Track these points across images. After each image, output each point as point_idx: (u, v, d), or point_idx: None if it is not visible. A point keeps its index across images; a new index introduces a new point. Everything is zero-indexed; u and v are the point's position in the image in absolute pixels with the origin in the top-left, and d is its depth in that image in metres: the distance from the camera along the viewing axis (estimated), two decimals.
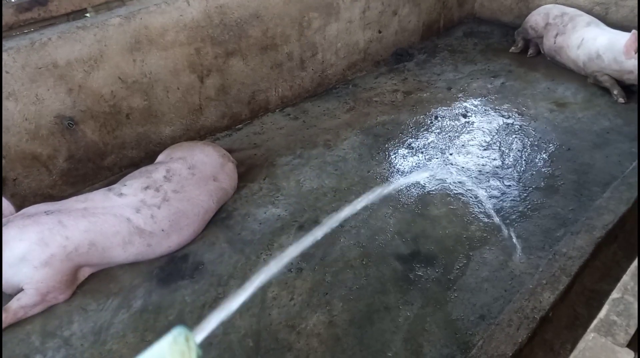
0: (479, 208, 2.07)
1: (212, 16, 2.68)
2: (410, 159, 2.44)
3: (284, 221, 2.12)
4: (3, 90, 2.17)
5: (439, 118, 2.76)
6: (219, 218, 2.18)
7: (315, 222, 2.08)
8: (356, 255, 1.85)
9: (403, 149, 2.51)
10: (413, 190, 2.18)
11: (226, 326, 1.67)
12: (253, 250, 1.98)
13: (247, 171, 2.47)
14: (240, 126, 2.96)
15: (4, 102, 2.19)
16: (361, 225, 1.99)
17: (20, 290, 1.78)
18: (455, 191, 2.18)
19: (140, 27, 2.47)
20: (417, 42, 3.77)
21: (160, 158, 2.31)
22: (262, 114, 3.05)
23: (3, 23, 2.27)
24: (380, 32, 3.53)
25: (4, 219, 1.88)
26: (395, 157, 2.46)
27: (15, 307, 1.78)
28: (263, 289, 1.78)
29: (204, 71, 2.76)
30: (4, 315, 1.77)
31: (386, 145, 2.55)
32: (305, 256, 1.90)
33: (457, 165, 2.37)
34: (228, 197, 2.26)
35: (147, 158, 2.53)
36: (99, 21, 2.35)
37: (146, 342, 1.66)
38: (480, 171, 2.31)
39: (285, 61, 3.09)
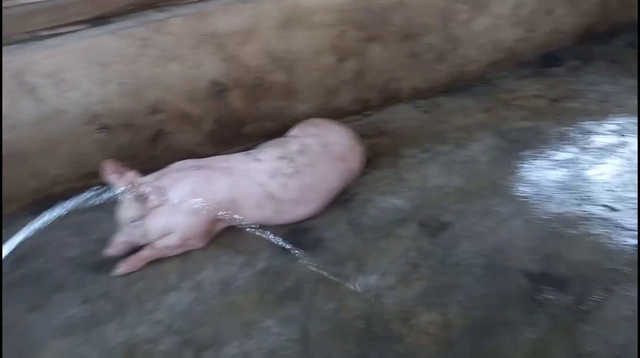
0: (628, 240, 1.88)
1: (360, 0, 2.71)
2: (551, 172, 2.28)
3: (405, 213, 2.12)
4: (172, 52, 2.42)
5: (589, 133, 2.53)
6: (342, 199, 2.24)
7: (437, 220, 2.05)
8: (479, 263, 1.80)
9: (543, 160, 2.36)
10: (551, 205, 2.05)
11: (339, 304, 1.73)
12: (372, 235, 2.02)
13: (373, 157, 2.49)
14: (369, 112, 2.99)
15: (169, 64, 2.45)
16: (488, 233, 1.93)
17: (167, 234, 2.01)
18: (601, 216, 1.99)
19: (292, 6, 2.58)
20: (571, 46, 3.46)
21: (294, 131, 2.41)
22: (393, 103, 3.04)
23: None
24: (530, 31, 3.31)
25: (157, 173, 2.11)
26: (533, 167, 2.32)
27: (160, 246, 2.02)
28: (379, 276, 1.82)
29: (344, 53, 2.82)
30: (150, 251, 2.02)
31: (524, 153, 2.41)
32: (423, 252, 1.89)
33: (605, 187, 2.16)
34: (353, 179, 2.31)
35: (281, 130, 2.66)
36: None
37: (265, 301, 1.79)
38: (632, 198, 2.09)
39: (424, 51, 3.04)
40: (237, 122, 2.71)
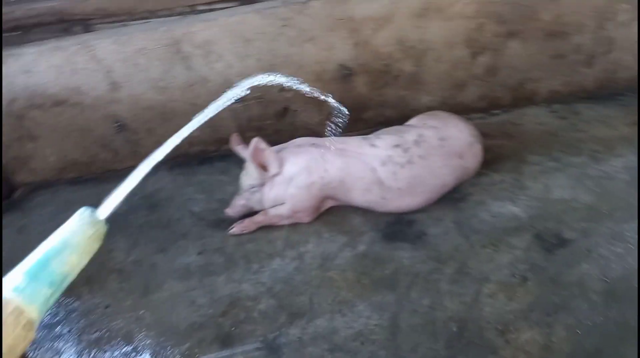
0: None
1: None
2: None
3: (520, 222, 1.99)
4: (308, 34, 2.53)
5: None
6: (452, 197, 2.17)
7: (556, 235, 1.90)
8: (598, 288, 1.63)
9: None
10: None
11: (434, 301, 1.71)
12: (478, 239, 1.94)
13: (493, 159, 2.37)
14: (497, 111, 2.83)
15: (304, 44, 2.56)
16: (614, 258, 1.73)
17: (280, 203, 2.15)
18: None
19: None
20: None
21: (412, 121, 2.38)
22: (525, 105, 2.84)
23: None
24: None
25: (278, 146, 2.24)
26: None
27: (272, 213, 2.16)
28: (480, 282, 1.75)
29: (479, 47, 2.69)
30: (262, 216, 2.18)
31: None
32: (535, 267, 1.77)
33: None
34: (467, 178, 2.23)
35: (400, 120, 2.65)
36: None
37: (360, 284, 1.83)
38: None
39: (570, 52, 2.77)
40: (359, 106, 2.75)
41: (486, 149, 2.34)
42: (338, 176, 2.08)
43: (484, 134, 2.50)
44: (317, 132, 2.73)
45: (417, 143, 2.10)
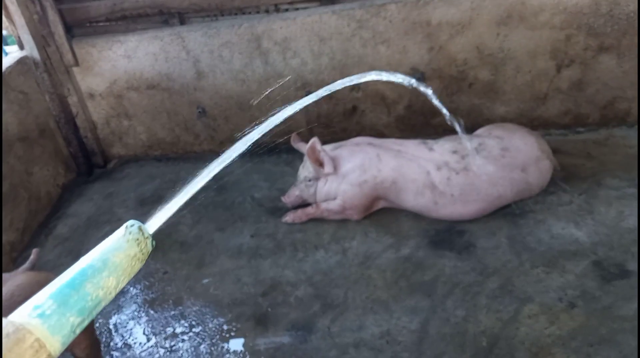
0: None
1: (601, 4, 2.37)
2: None
3: (581, 247, 1.86)
4: (382, 36, 2.56)
5: None
6: (511, 211, 2.08)
7: (618, 265, 1.74)
8: None
9: None
10: None
11: (469, 313, 1.66)
12: (530, 258, 1.84)
13: (566, 178, 2.22)
14: (581, 129, 2.63)
15: (378, 46, 2.59)
16: None
17: (332, 198, 2.21)
18: None
19: (517, 2, 2.42)
20: None
21: (479, 131, 2.31)
22: (615, 125, 2.61)
23: None
24: None
25: (338, 144, 2.30)
26: None
27: (323, 207, 2.23)
28: (522, 301, 1.67)
29: (566, 60, 2.53)
30: (314, 209, 2.25)
31: None
32: (586, 294, 1.64)
33: None
34: (531, 195, 2.11)
35: (472, 129, 2.58)
36: None
37: (398, 286, 1.84)
38: None
39: None
40: (428, 111, 2.72)
41: (561, 167, 2.21)
42: (391, 176, 2.10)
43: (562, 152, 2.37)
44: (383, 133, 2.77)
45: (476, 150, 2.04)
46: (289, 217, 2.27)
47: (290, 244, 2.15)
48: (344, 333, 1.68)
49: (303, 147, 2.27)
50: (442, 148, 2.08)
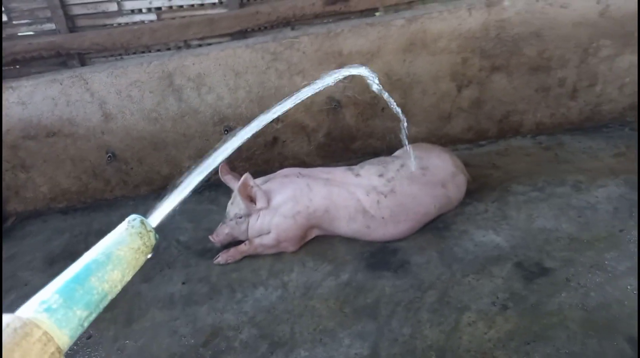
0: None
1: (490, 29, 2.64)
2: None
3: (502, 251, 2.00)
4: (297, 67, 2.61)
5: None
6: (436, 226, 2.19)
7: (537, 265, 1.90)
8: (576, 317, 1.63)
9: None
10: None
11: (414, 330, 1.70)
12: (461, 268, 1.94)
13: (478, 189, 2.40)
14: (483, 142, 2.88)
15: (293, 77, 2.64)
16: (592, 287, 1.73)
17: (265, 233, 2.16)
18: None
19: (418, 31, 2.62)
20: None
21: (398, 152, 2.44)
22: (511, 136, 2.89)
23: (312, 12, 2.71)
24: None
25: (266, 177, 2.28)
26: None
27: (256, 243, 2.18)
28: (460, 310, 1.74)
29: (464, 81, 2.77)
30: (247, 246, 2.19)
31: None
32: (515, 295, 1.77)
33: None
34: (450, 208, 2.25)
35: (388, 150, 2.70)
36: (385, 20, 2.59)
37: (342, 313, 1.83)
38: None
39: (554, 86, 2.84)
40: (347, 137, 2.81)
41: (472, 179, 2.38)
42: (323, 205, 2.11)
43: (470, 165, 2.55)
44: (306, 162, 2.79)
45: (399, 172, 2.13)
46: (221, 258, 2.18)
47: (226, 285, 2.06)
48: None
49: (231, 181, 2.21)
50: (368, 173, 2.14)
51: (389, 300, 1.85)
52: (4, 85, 2.45)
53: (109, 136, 2.60)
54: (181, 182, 0.90)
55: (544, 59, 2.76)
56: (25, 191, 2.65)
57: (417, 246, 2.09)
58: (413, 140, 2.77)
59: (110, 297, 0.72)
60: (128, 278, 0.75)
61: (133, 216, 0.78)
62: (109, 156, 2.60)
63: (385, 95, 1.43)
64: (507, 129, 2.91)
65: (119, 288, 0.73)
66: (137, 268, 0.76)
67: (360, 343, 1.69)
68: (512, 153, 2.73)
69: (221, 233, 2.21)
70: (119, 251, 0.74)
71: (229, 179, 2.24)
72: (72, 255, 2.32)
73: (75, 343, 1.87)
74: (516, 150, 2.76)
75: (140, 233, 0.77)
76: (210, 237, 2.22)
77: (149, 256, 0.79)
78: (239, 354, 1.74)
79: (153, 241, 0.78)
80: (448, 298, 1.80)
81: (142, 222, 0.78)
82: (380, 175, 2.13)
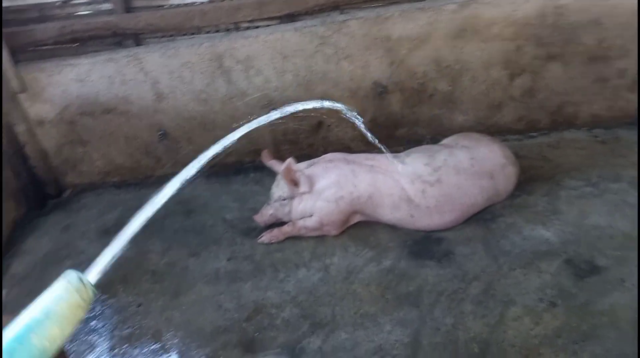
0: None
1: (547, 16, 2.53)
2: None
3: (552, 247, 1.95)
4: (344, 52, 2.59)
5: None
6: (483, 217, 2.16)
7: (588, 262, 1.84)
8: (630, 318, 1.57)
9: None
10: None
11: (457, 321, 1.69)
12: (507, 261, 1.91)
13: (528, 181, 2.33)
14: (534, 134, 2.78)
15: (341, 62, 2.63)
16: None
17: (308, 216, 2.19)
18: None
19: (470, 16, 2.54)
20: None
21: (445, 141, 2.39)
22: (564, 129, 2.78)
23: None
24: None
25: (311, 161, 2.30)
26: None
27: (299, 225, 2.21)
28: (505, 304, 1.72)
29: (517, 69, 2.67)
30: (290, 227, 2.22)
31: None
32: (564, 293, 1.72)
33: None
34: (499, 200, 2.20)
35: (433, 138, 2.66)
36: (436, 5, 2.53)
37: (384, 299, 1.84)
38: None
39: (613, 77, 2.70)
40: (392, 124, 2.78)
41: (521, 172, 2.32)
42: (367, 192, 2.11)
43: (520, 157, 2.48)
44: (349, 147, 2.79)
45: (447, 162, 2.10)
46: (265, 237, 2.23)
47: (270, 265, 2.11)
48: (337, 352, 1.66)
49: (275, 165, 2.25)
50: (413, 161, 2.13)
51: (431, 289, 1.84)
52: (64, 62, 2.55)
53: (160, 115, 2.68)
54: (121, 232, 0.92)
55: (603, 48, 2.62)
56: (82, 165, 2.77)
57: (463, 236, 2.06)
58: (460, 129, 2.73)
59: (51, 353, 0.74)
60: (67, 333, 0.77)
61: (70, 272, 0.80)
62: (161, 135, 2.69)
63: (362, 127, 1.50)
64: (560, 121, 2.80)
65: (59, 343, 0.76)
66: (76, 324, 0.79)
67: (401, 330, 1.70)
68: (564, 146, 2.63)
69: (265, 214, 2.25)
70: (57, 307, 0.76)
71: (272, 164, 2.28)
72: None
73: (125, 310, 1.97)
74: (569, 143, 2.65)
75: (78, 289, 0.78)
76: (254, 217, 2.27)
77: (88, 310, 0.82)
78: (280, 331, 1.79)
79: (91, 296, 0.80)
80: (493, 291, 1.77)
81: (79, 278, 0.79)
82: (427, 164, 2.10)
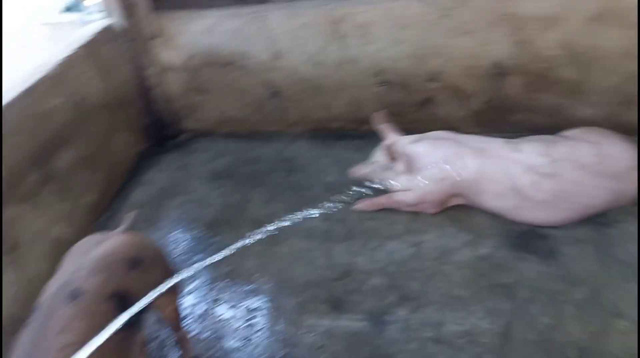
0: None
1: None
2: None
3: None
4: (466, 26, 2.47)
5: None
6: (598, 219, 1.99)
7: None
8: None
9: None
10: None
11: (555, 321, 1.62)
12: (620, 271, 1.77)
13: None
14: None
15: (460, 37, 2.51)
16: None
17: (406, 190, 2.17)
18: None
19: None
20: None
21: (569, 133, 2.20)
22: None
23: None
24: None
25: (418, 136, 2.27)
26: None
27: (396, 198, 2.20)
28: (612, 315, 1.61)
29: None
30: (386, 199, 2.22)
31: None
32: None
33: None
34: (622, 205, 2.01)
35: (551, 129, 2.47)
36: None
37: (477, 285, 1.80)
38: None
39: None
40: (507, 108, 2.63)
41: None
42: (473, 176, 2.04)
43: None
44: (457, 128, 2.68)
45: (568, 155, 1.95)
46: (360, 205, 2.26)
47: (362, 232, 2.14)
48: (422, 327, 1.67)
49: (384, 130, 2.23)
50: (529, 150, 2.00)
51: (530, 285, 1.77)
52: (194, 14, 2.71)
53: (275, 73, 2.77)
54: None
55: None
56: (199, 112, 2.97)
57: (573, 237, 1.93)
58: (583, 123, 2.50)
59: None
60: None
61: None
62: (272, 93, 2.79)
63: None
64: None
65: None
66: None
67: (491, 318, 1.67)
68: None
69: (361, 170, 2.30)
70: None
71: (382, 128, 2.26)
72: (231, 175, 2.60)
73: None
74: None
75: None
76: (350, 171, 2.32)
77: None
78: (367, 296, 1.83)
79: None
80: (600, 299, 1.66)
81: None
82: (544, 154, 1.97)
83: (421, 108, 2.75)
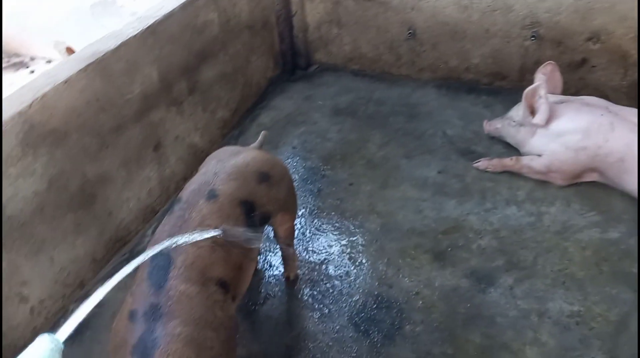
0: None
1: None
2: None
3: None
4: None
5: None
6: None
7: None
8: None
9: None
10: None
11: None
12: None
13: None
14: None
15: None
16: None
17: (537, 154, 2.03)
18: None
19: None
20: None
21: None
22: None
23: None
24: None
25: (565, 97, 2.07)
26: None
27: (523, 163, 2.08)
28: None
29: None
30: (513, 162, 2.10)
31: None
32: None
33: None
34: None
35: None
36: None
37: (598, 268, 1.68)
38: None
39: None
40: None
41: None
42: (620, 152, 1.84)
43: None
44: (609, 97, 2.40)
45: None
46: (482, 163, 2.17)
47: (478, 191, 2.07)
48: (527, 297, 1.62)
49: (538, 80, 2.03)
50: None
51: None
52: None
53: (416, 13, 2.65)
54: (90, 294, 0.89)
55: None
56: (332, 46, 2.98)
57: None
58: None
59: None
60: None
61: (45, 335, 0.81)
62: (409, 33, 2.69)
63: None
64: None
65: None
66: None
67: (608, 305, 1.56)
68: None
69: (493, 125, 2.24)
70: None
71: (538, 78, 2.05)
72: (353, 113, 2.62)
73: (338, 184, 2.18)
74: None
75: (61, 349, 0.82)
76: (484, 122, 2.29)
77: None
78: (473, 255, 1.80)
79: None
80: None
81: (51, 339, 0.81)
82: None
83: (573, 70, 2.48)
